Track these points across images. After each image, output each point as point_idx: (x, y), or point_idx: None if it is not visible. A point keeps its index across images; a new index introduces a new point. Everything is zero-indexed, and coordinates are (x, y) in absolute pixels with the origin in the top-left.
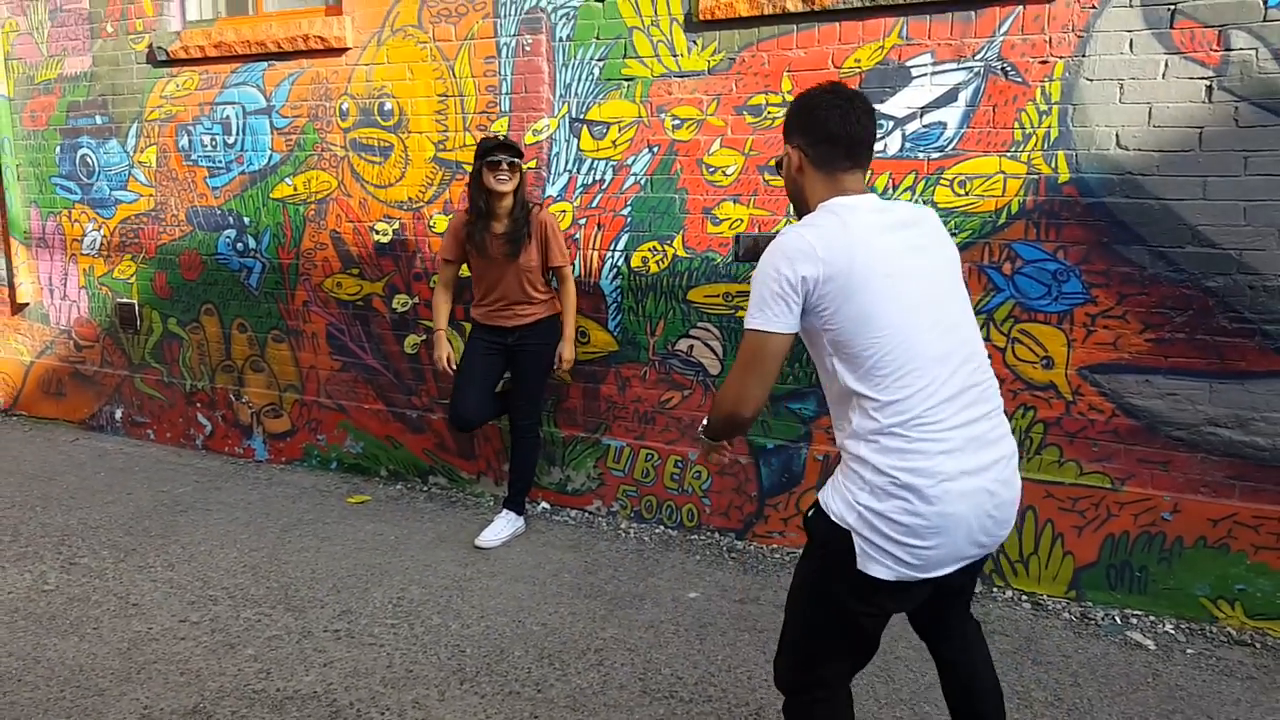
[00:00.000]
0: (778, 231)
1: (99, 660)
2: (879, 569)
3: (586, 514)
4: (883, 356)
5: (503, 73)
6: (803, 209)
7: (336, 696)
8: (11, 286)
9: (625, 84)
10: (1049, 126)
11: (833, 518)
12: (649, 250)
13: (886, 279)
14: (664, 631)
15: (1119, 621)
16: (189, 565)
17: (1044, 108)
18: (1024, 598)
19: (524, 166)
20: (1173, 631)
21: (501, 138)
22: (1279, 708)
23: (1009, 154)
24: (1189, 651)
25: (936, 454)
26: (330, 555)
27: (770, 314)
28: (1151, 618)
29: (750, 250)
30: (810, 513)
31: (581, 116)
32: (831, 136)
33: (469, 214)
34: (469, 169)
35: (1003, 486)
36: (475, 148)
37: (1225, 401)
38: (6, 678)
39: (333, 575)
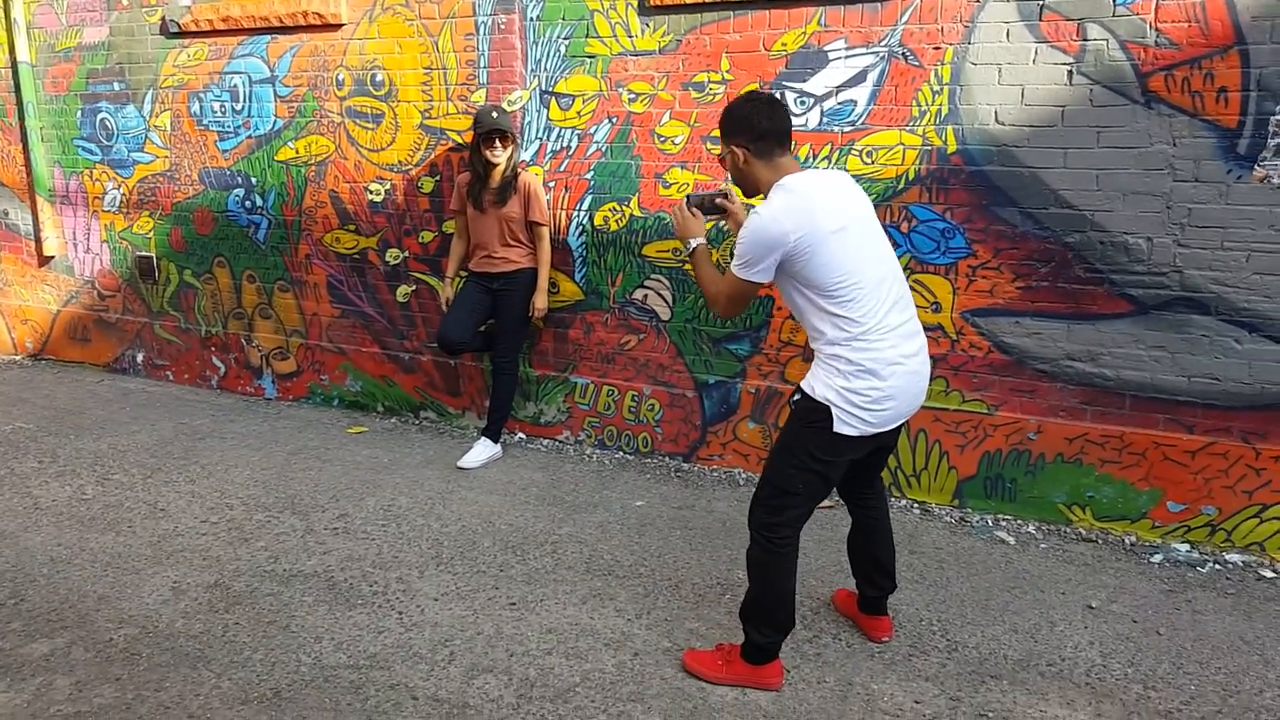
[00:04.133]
0: (721, 189)
1: (134, 549)
2: (849, 429)
3: (557, 443)
4: (845, 289)
5: (481, 48)
6: (752, 189)
7: (334, 575)
8: (38, 240)
9: (588, 61)
10: (940, 104)
11: (816, 398)
12: (609, 210)
13: (837, 234)
14: (610, 529)
15: (990, 524)
16: (208, 480)
17: (936, 88)
18: (915, 505)
19: (515, 139)
20: (1033, 531)
21: (495, 116)
22: (1100, 584)
23: (908, 128)
24: (1042, 546)
25: (887, 348)
26: (331, 473)
27: (754, 271)
28: (1018, 521)
29: (700, 205)
30: (796, 397)
31: (550, 89)
32: (765, 133)
33: (470, 174)
34: (454, 136)
35: (923, 366)
36: (473, 117)
37: (1080, 339)
38: (59, 561)
39: (333, 488)
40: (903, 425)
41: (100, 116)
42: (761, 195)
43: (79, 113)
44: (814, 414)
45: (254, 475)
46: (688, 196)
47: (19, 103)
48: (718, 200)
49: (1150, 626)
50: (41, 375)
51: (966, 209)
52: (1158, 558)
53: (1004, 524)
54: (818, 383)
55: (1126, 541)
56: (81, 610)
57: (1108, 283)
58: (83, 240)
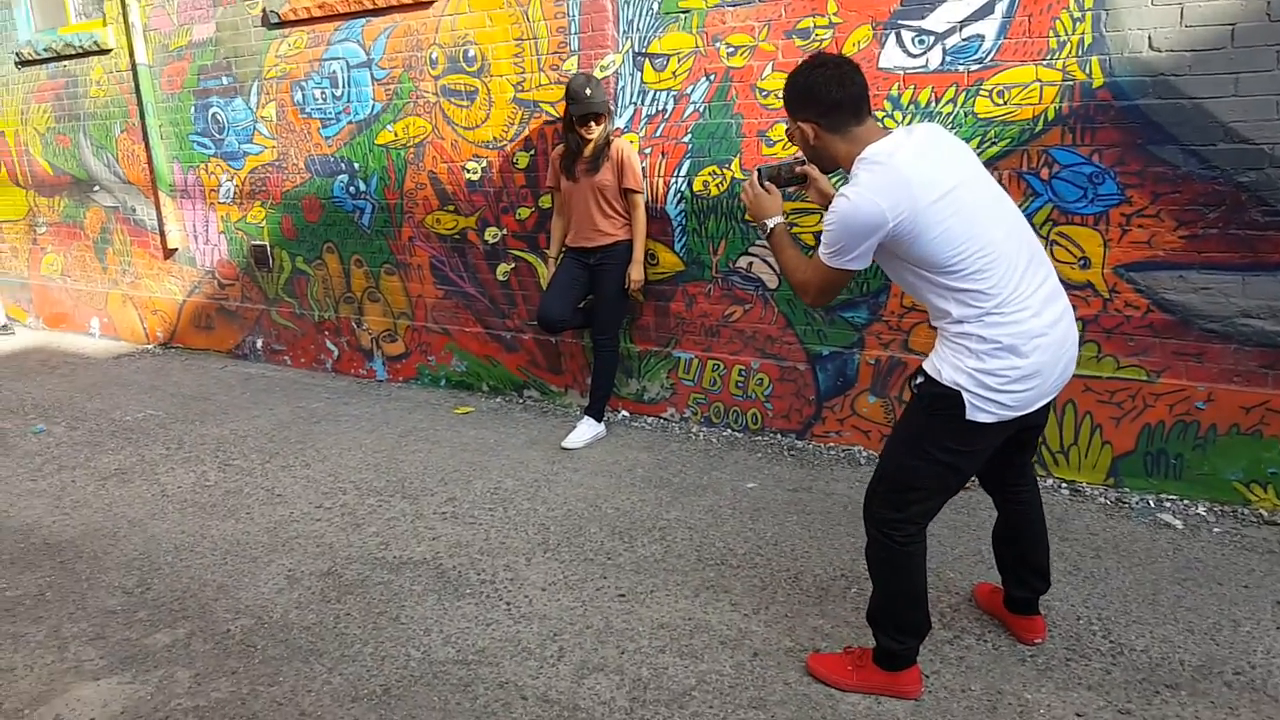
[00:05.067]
0: (794, 158)
1: (252, 536)
2: (985, 415)
3: (661, 420)
4: (967, 259)
5: (571, 14)
6: (830, 166)
7: (443, 562)
8: (162, 234)
9: (682, 16)
10: (1083, 33)
11: (944, 382)
12: (709, 174)
13: (942, 201)
14: (722, 514)
15: (1152, 505)
16: (322, 465)
17: (1077, 15)
18: (1063, 485)
19: (610, 112)
20: (1204, 513)
21: (588, 94)
22: None
23: (1044, 62)
24: (1216, 530)
25: (1028, 319)
26: (439, 455)
27: (847, 259)
28: (1185, 501)
29: (774, 177)
30: (919, 380)
31: (643, 50)
32: (837, 104)
33: (565, 148)
34: (547, 109)
35: (1069, 333)
36: (566, 89)
37: (1258, 293)
38: (182, 549)
39: (441, 470)
40: (1051, 402)
41: (212, 111)
42: (842, 171)
43: (192, 109)
44: (942, 400)
45: (366, 458)
46: (758, 169)
47: (139, 103)
48: (797, 169)
49: None
50: (171, 363)
51: (1118, 150)
52: None
53: (1168, 505)
54: (944, 364)
55: None
56: (202, 600)
57: None
58: (202, 232)
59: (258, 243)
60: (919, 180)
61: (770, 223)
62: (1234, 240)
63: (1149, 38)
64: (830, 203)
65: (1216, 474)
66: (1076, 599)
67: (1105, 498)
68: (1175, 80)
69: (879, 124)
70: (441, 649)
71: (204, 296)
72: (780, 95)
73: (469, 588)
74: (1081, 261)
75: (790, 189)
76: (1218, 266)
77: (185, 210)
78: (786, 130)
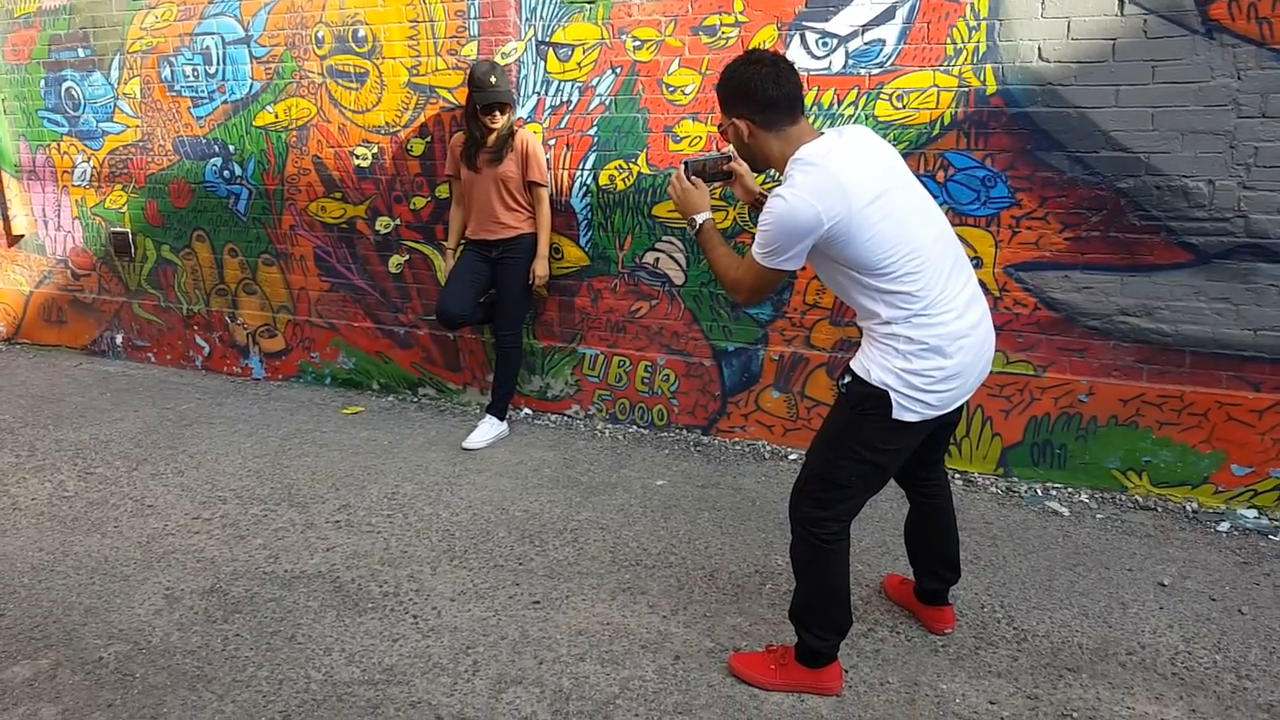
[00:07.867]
0: (724, 151)
1: (121, 552)
2: (910, 415)
3: (565, 418)
4: (896, 261)
5: None
6: (761, 165)
7: (339, 574)
8: (5, 219)
9: (587, 7)
10: (978, 41)
11: (873, 381)
12: (615, 168)
13: (875, 204)
14: (633, 513)
15: (1040, 493)
16: (197, 471)
17: (973, 23)
18: (957, 475)
19: (514, 103)
20: (1086, 500)
21: (493, 81)
22: (1167, 559)
23: (942, 68)
24: (1099, 516)
25: (952, 321)
26: (328, 459)
27: (781, 259)
28: (1069, 489)
29: (700, 172)
30: (846, 380)
31: (547, 39)
32: (772, 101)
33: (466, 136)
34: (444, 94)
35: (989, 334)
36: (467, 75)
37: (1134, 293)
38: (41, 568)
39: (332, 476)
40: (966, 400)
41: (65, 85)
42: (773, 171)
43: (42, 82)
44: (869, 400)
45: (246, 464)
46: (685, 163)
47: None
48: (723, 165)
49: (1230, 605)
50: (16, 360)
51: (1009, 154)
52: (1224, 525)
53: (1054, 493)
54: (873, 364)
55: (1188, 508)
56: (67, 625)
57: (1165, 230)
58: (53, 217)
59: (118, 229)
60: (853, 183)
61: (699, 219)
62: (1114, 243)
63: (1039, 48)
64: (755, 200)
65: (1097, 462)
66: (979, 587)
67: (996, 487)
68: (1062, 89)
69: (811, 125)
70: (345, 669)
71: (55, 287)
72: (687, 91)
73: (370, 601)
74: (974, 261)
75: (716, 184)
76: (1099, 267)
77: (33, 193)
78: (719, 126)
